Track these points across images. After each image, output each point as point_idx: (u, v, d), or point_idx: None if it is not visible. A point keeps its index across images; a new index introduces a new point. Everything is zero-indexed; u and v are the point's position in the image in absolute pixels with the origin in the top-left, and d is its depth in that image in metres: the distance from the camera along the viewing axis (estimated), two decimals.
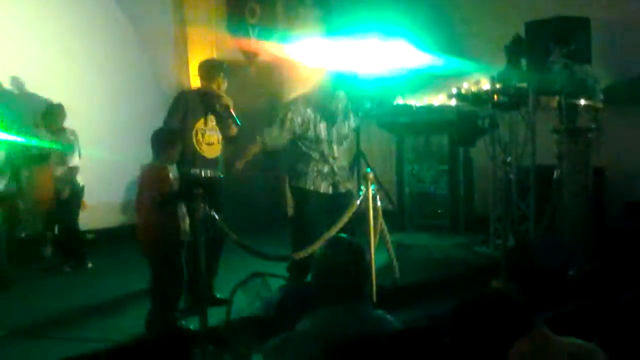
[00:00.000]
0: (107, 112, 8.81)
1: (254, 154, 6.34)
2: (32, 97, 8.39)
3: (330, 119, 6.39)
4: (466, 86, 8.76)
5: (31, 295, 6.79)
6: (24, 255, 7.80)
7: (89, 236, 8.45)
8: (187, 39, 10.02)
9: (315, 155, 6.34)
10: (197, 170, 6.09)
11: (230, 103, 6.09)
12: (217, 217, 5.29)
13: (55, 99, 7.98)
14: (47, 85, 8.41)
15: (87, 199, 8.03)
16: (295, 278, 6.18)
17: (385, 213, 6.53)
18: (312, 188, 6.33)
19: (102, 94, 8.91)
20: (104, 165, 8.50)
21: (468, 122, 8.60)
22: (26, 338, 5.43)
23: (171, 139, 5.61)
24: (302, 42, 9.50)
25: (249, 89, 9.03)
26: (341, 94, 6.50)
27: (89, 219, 8.27)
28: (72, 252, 7.74)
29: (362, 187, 6.09)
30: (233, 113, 6.07)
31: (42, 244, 8.07)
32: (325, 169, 6.36)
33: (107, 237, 8.79)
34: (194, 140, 6.09)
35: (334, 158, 6.39)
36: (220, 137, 6.24)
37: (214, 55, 10.10)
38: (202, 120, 6.12)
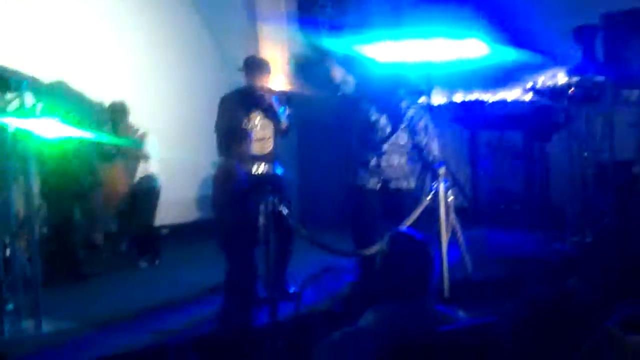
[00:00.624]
0: (180, 109, 8.91)
1: None
2: (100, 94, 8.49)
3: (394, 117, 6.33)
4: (542, 80, 8.61)
5: (105, 288, 6.92)
6: (100, 249, 7.98)
7: (163, 231, 8.57)
8: (258, 36, 10.08)
9: (368, 145, 6.30)
10: (250, 167, 6.12)
11: (274, 100, 6.11)
12: (285, 212, 5.33)
13: (125, 96, 8.09)
14: (116, 82, 8.54)
15: (162, 194, 8.18)
16: (364, 274, 6.16)
17: (459, 209, 6.45)
18: (359, 183, 6.29)
19: (174, 90, 9.01)
20: (177, 161, 8.61)
21: (543, 116, 8.45)
22: (99, 330, 5.54)
23: (234, 137, 5.68)
24: (374, 39, 9.44)
25: (320, 87, 9.02)
26: (407, 97, 6.44)
27: (163, 214, 8.39)
28: (147, 247, 7.88)
29: (434, 183, 6.05)
30: (276, 108, 6.11)
31: (117, 240, 8.20)
32: (373, 161, 6.29)
33: (181, 233, 8.90)
34: None
35: (385, 153, 6.31)
36: (272, 131, 6.25)
37: (286, 52, 10.15)
38: (246, 119, 6.15)
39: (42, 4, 8.15)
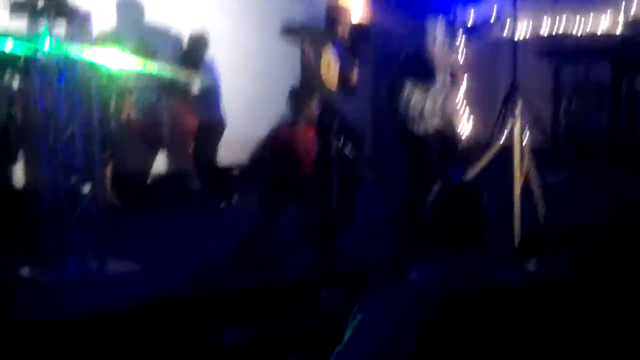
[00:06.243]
0: (250, 39, 8.68)
1: None
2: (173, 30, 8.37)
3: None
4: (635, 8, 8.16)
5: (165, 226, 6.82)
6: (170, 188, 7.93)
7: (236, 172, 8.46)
8: None
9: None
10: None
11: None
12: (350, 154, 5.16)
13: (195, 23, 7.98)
14: (190, 15, 8.33)
15: (232, 133, 8.05)
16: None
17: (540, 150, 6.13)
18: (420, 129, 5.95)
19: (246, 19, 8.75)
20: (251, 100, 8.45)
21: (634, 50, 7.93)
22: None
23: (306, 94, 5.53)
24: None
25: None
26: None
27: (235, 154, 8.28)
28: (216, 185, 7.79)
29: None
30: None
31: (187, 177, 8.11)
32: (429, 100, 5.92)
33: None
34: None
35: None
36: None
37: None
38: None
39: None
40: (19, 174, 6.67)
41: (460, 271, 2.65)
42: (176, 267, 5.49)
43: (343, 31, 5.97)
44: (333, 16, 6.05)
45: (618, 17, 8.41)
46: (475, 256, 2.71)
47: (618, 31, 8.49)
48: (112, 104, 7.06)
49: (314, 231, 5.35)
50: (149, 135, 7.67)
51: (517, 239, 5.26)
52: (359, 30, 6.05)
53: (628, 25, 8.23)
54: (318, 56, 5.91)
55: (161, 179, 7.97)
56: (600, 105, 8.39)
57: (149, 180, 7.72)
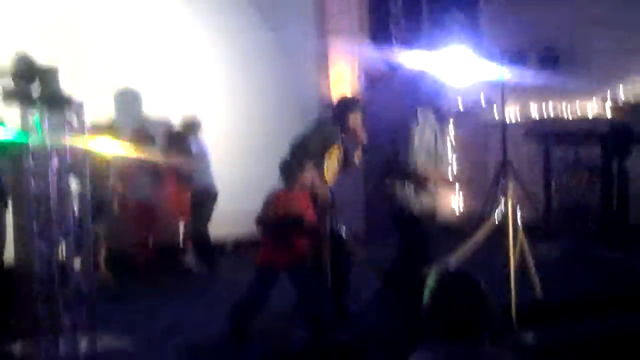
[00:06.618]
0: (245, 121, 8.86)
1: None
2: (166, 109, 8.46)
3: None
4: (622, 93, 8.34)
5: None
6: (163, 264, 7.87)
7: (228, 244, 8.47)
8: (328, 50, 9.93)
9: None
10: None
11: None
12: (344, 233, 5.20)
13: (191, 109, 8.17)
14: (183, 95, 8.53)
15: (226, 206, 8.10)
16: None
17: (532, 227, 6.19)
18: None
19: (240, 102, 8.99)
20: (241, 173, 8.54)
21: (624, 131, 8.09)
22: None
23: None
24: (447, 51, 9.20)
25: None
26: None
27: (226, 226, 8.30)
28: (204, 257, 7.83)
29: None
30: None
31: (181, 253, 8.11)
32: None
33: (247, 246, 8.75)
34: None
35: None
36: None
37: (355, 66, 9.99)
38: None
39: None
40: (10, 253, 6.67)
41: (459, 357, 2.65)
42: (167, 343, 5.46)
43: (352, 121, 5.92)
44: (343, 108, 6.01)
45: (606, 102, 8.60)
46: (474, 341, 2.70)
47: (606, 115, 8.67)
48: (105, 186, 7.14)
49: (307, 307, 5.30)
50: (141, 215, 7.70)
51: (513, 316, 5.26)
52: (361, 116, 6.02)
53: (615, 109, 8.42)
54: (325, 156, 5.85)
55: (154, 256, 7.92)
56: (591, 184, 8.49)
57: (141, 258, 7.66)
